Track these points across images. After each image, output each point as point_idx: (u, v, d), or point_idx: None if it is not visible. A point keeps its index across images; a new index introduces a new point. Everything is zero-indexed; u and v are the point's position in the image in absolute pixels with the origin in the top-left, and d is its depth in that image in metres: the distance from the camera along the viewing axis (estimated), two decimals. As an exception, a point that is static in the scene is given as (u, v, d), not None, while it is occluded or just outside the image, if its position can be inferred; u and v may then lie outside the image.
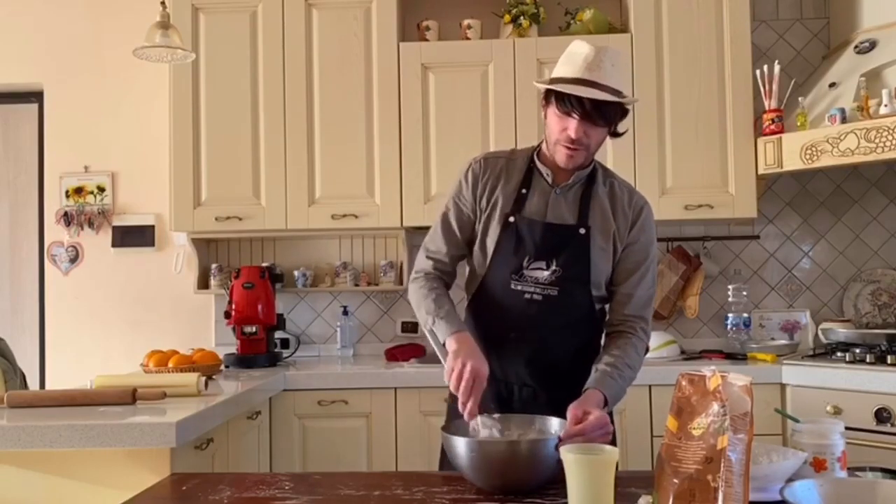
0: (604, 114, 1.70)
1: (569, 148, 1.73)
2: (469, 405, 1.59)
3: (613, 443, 1.59)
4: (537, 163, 1.85)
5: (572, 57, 1.72)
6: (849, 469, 1.39)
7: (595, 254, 1.78)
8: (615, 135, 1.80)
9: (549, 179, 1.83)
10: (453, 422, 1.63)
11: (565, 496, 1.20)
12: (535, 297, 1.77)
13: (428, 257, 1.91)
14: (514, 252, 1.79)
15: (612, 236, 1.81)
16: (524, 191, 1.82)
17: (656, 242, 1.89)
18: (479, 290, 1.86)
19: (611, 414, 1.70)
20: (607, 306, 1.88)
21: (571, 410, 1.56)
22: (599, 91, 1.67)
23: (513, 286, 1.79)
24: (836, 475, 1.34)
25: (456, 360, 1.64)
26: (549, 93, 1.74)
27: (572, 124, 1.70)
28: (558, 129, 1.73)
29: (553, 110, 1.73)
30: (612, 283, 1.84)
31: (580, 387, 1.68)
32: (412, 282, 1.91)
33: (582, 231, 1.78)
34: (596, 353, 1.81)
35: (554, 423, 1.55)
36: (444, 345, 1.72)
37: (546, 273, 1.77)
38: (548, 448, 1.35)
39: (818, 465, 1.35)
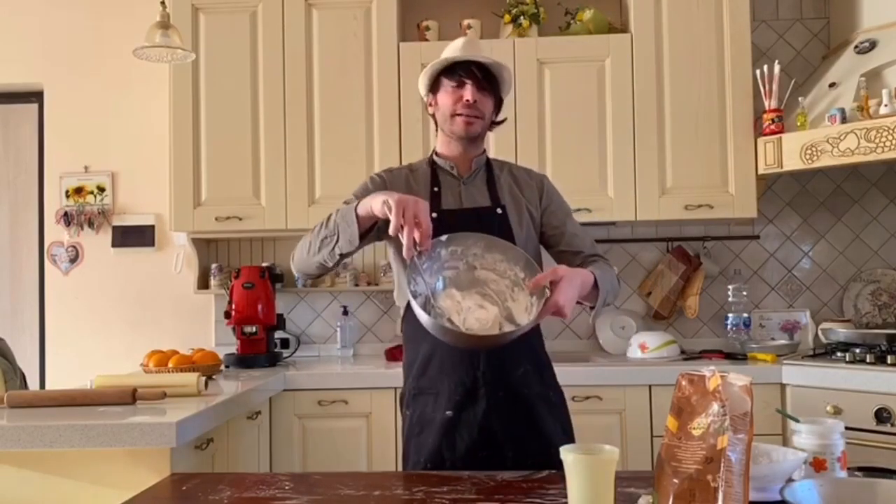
0: (490, 82, 1.90)
1: (466, 115, 1.89)
2: (420, 235, 1.60)
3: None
4: (438, 161, 1.98)
5: (449, 47, 1.94)
6: (849, 469, 1.39)
7: (515, 229, 1.90)
8: (496, 123, 2.00)
9: (455, 172, 1.96)
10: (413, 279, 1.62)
11: (565, 496, 1.20)
12: None
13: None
14: None
15: (524, 208, 1.95)
16: (436, 189, 1.93)
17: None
18: None
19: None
20: None
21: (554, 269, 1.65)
22: (484, 57, 1.88)
23: None
24: (836, 475, 1.34)
25: (389, 200, 1.60)
26: (436, 82, 1.94)
27: (467, 89, 1.87)
28: (453, 101, 1.90)
29: (445, 89, 1.91)
30: (554, 246, 1.99)
31: (535, 357, 1.86)
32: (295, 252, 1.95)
33: (499, 210, 1.91)
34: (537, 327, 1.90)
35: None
36: (356, 211, 1.72)
37: None
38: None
39: (818, 465, 1.35)
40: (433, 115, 1.99)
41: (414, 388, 1.90)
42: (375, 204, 1.65)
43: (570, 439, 1.84)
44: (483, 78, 1.88)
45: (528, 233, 1.93)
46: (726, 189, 3.21)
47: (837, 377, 2.69)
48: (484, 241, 1.71)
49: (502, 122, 2.02)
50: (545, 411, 1.86)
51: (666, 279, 3.48)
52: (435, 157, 1.99)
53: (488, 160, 2.00)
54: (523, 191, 1.97)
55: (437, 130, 2.00)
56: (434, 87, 1.95)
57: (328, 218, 1.82)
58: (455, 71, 1.89)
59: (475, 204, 1.92)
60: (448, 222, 1.83)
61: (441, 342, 1.71)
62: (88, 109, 3.73)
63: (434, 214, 1.83)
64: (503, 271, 1.71)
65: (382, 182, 1.95)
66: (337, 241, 1.77)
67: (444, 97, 1.92)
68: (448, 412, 1.82)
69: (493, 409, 1.81)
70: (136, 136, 3.70)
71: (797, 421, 1.39)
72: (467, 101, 1.87)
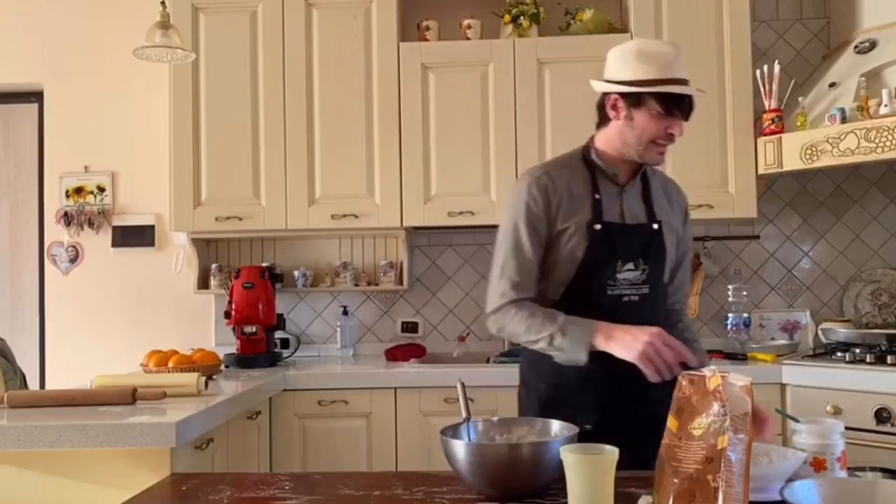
0: (692, 108, 1.79)
1: (665, 147, 1.80)
2: (683, 353, 1.61)
3: None
4: (601, 164, 1.86)
5: (651, 57, 1.75)
6: (849, 469, 1.39)
7: (668, 246, 1.87)
8: None
9: (618, 180, 1.86)
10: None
11: (565, 496, 1.20)
12: (632, 298, 1.81)
13: (513, 288, 1.83)
14: (606, 258, 1.80)
15: (674, 229, 1.91)
16: (597, 196, 1.83)
17: None
18: (564, 301, 1.82)
19: None
20: None
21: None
22: (690, 88, 1.76)
23: (609, 291, 1.80)
24: (835, 475, 1.34)
25: (637, 341, 1.62)
26: (638, 94, 1.75)
27: (677, 123, 1.77)
28: (657, 129, 1.77)
29: (649, 112, 1.75)
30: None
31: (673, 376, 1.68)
32: (497, 311, 1.84)
33: (655, 227, 1.85)
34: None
35: (554, 426, 1.55)
36: (587, 346, 1.70)
37: (637, 273, 1.82)
38: (550, 451, 1.34)
39: (818, 466, 1.35)
40: (613, 118, 1.82)
41: (547, 396, 1.85)
42: (620, 351, 1.66)
43: None
44: (690, 105, 1.78)
45: (673, 251, 1.89)
46: (726, 189, 3.21)
47: (837, 377, 2.69)
48: (538, 426, 1.57)
49: None
50: None
51: (666, 279, 3.48)
52: (595, 158, 1.87)
53: (643, 165, 1.89)
54: (673, 208, 1.92)
55: (601, 125, 1.87)
56: (633, 97, 1.77)
57: (556, 329, 1.74)
58: (664, 95, 1.74)
59: (635, 219, 1.85)
60: (610, 235, 1.80)
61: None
62: (88, 109, 3.73)
63: (598, 226, 1.80)
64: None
65: (545, 194, 1.82)
66: (556, 351, 1.76)
67: (647, 121, 1.77)
68: (587, 426, 1.70)
69: (632, 428, 1.68)
70: (136, 136, 3.70)
71: (797, 421, 1.39)
72: (672, 134, 1.78)
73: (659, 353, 1.60)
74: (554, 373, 1.82)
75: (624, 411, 1.77)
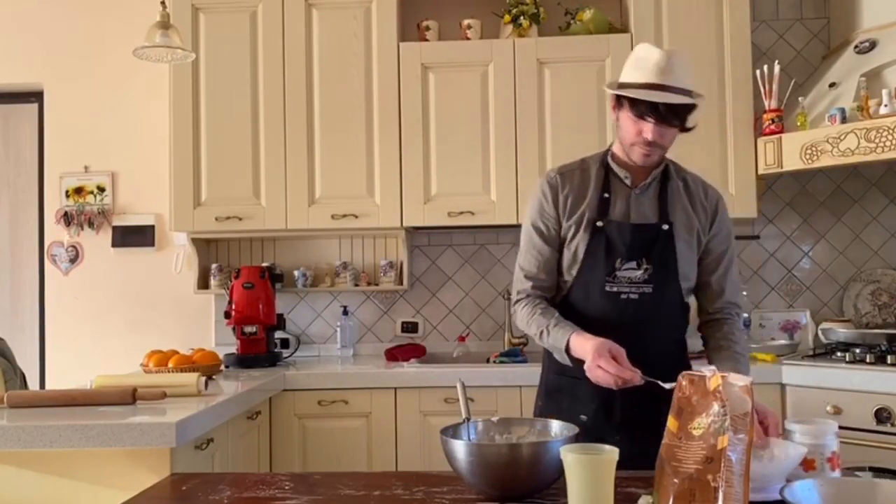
0: (677, 114, 1.78)
1: (645, 150, 1.82)
2: (628, 375, 1.62)
3: None
4: (613, 166, 1.92)
5: (641, 62, 1.79)
6: (849, 469, 1.39)
7: (680, 247, 1.86)
8: (685, 130, 1.86)
9: (628, 182, 1.90)
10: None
11: (565, 496, 1.20)
12: (632, 296, 1.84)
13: (526, 277, 1.93)
14: (606, 255, 1.84)
15: (695, 230, 1.89)
16: (606, 195, 1.89)
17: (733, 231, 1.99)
18: (569, 295, 1.90)
19: None
20: (692, 297, 1.97)
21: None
22: (672, 94, 1.75)
23: (607, 288, 1.84)
24: (825, 475, 1.34)
25: (593, 361, 1.66)
26: (621, 97, 1.80)
27: (647, 127, 1.78)
28: (634, 133, 1.81)
29: (627, 114, 1.80)
30: (701, 275, 1.94)
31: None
32: (515, 304, 1.95)
33: (665, 227, 1.85)
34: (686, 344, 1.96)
35: (554, 426, 1.55)
36: (566, 350, 1.78)
37: (639, 272, 1.84)
38: (550, 451, 1.34)
39: (807, 465, 1.36)
40: (613, 118, 1.91)
41: (552, 384, 1.93)
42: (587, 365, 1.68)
43: None
44: (668, 111, 1.76)
45: (690, 253, 1.89)
46: (726, 189, 3.20)
47: (837, 377, 2.69)
48: (538, 427, 1.57)
49: (692, 128, 1.87)
50: None
51: (666, 279, 3.48)
52: (610, 160, 1.93)
53: (666, 168, 1.93)
54: (696, 210, 1.91)
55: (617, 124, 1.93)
56: (619, 100, 1.82)
57: (545, 331, 1.83)
58: (638, 102, 1.76)
59: (643, 218, 1.87)
60: (612, 234, 1.85)
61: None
62: (88, 109, 3.73)
63: (599, 223, 1.85)
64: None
65: (554, 192, 1.91)
66: (548, 347, 1.87)
67: (625, 123, 1.82)
68: (583, 416, 1.81)
69: (629, 426, 1.77)
70: (136, 136, 3.70)
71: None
72: (646, 139, 1.79)
73: (602, 369, 1.63)
74: (559, 362, 1.87)
75: (622, 408, 1.81)
